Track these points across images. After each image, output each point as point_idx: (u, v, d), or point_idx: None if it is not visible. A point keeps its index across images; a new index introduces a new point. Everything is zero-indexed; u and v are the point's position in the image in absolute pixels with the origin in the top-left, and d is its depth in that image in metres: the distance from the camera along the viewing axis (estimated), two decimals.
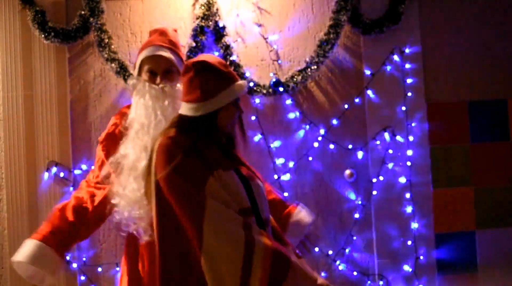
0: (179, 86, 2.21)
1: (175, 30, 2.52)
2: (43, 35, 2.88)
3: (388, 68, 3.01)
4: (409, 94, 3.01)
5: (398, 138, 3.00)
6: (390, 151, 2.99)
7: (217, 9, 2.92)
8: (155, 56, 2.27)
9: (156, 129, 2.14)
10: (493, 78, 3.11)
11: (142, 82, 2.26)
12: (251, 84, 2.92)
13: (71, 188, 2.95)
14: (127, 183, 2.16)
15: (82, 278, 2.94)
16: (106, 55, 2.91)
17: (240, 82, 1.93)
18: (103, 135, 2.43)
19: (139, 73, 2.32)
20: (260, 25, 3.01)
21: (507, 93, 3.12)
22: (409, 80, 3.02)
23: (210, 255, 1.71)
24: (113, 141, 2.32)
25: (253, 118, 2.96)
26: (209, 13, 2.90)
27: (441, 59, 3.08)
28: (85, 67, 3.01)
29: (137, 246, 2.26)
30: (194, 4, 2.97)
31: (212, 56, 1.96)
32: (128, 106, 2.41)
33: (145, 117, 2.20)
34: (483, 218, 3.07)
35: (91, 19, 2.90)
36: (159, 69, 2.26)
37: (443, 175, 3.05)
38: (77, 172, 2.97)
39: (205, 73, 1.86)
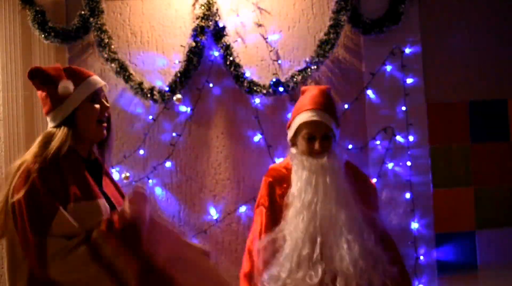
0: (336, 159, 2.24)
1: (329, 89, 2.44)
2: (43, 35, 2.88)
3: (388, 68, 3.01)
4: (409, 94, 3.01)
5: (398, 138, 3.00)
6: (390, 151, 2.99)
7: (217, 9, 2.92)
8: (315, 122, 2.24)
9: (321, 208, 2.13)
10: (493, 78, 3.11)
11: (300, 156, 2.25)
12: (251, 84, 2.92)
13: None
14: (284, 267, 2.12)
15: None
16: (106, 55, 2.91)
17: (91, 77, 1.84)
18: (266, 201, 2.35)
19: (295, 135, 2.31)
20: (260, 25, 3.01)
21: (507, 93, 3.12)
22: (409, 80, 3.02)
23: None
24: (274, 209, 2.29)
25: (253, 118, 2.96)
26: (209, 13, 2.90)
27: (441, 59, 3.08)
28: (85, 67, 3.00)
29: None
30: (194, 4, 2.97)
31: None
32: (282, 167, 2.39)
33: (306, 193, 2.17)
34: (483, 218, 3.07)
35: (91, 19, 2.90)
36: (318, 135, 2.24)
37: (443, 175, 3.05)
38: None
39: (44, 79, 1.78)
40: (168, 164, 2.98)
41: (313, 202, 2.16)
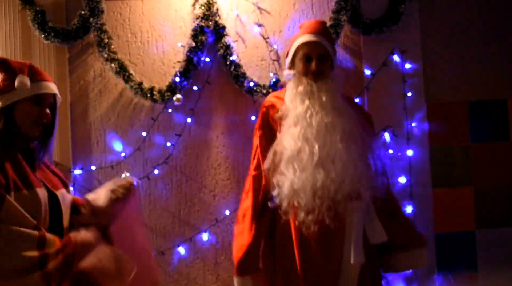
0: (332, 79, 2.30)
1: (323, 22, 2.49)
2: (43, 35, 2.88)
3: (388, 68, 3.01)
4: (409, 94, 3.01)
5: (398, 138, 3.00)
6: (390, 151, 2.99)
7: (217, 9, 2.92)
8: (311, 42, 2.30)
9: (315, 119, 2.19)
10: (493, 78, 3.11)
11: (297, 76, 2.31)
12: (251, 84, 2.92)
13: (71, 188, 2.95)
14: (288, 173, 2.18)
15: None
16: (106, 55, 2.91)
17: (44, 82, 1.93)
18: (258, 125, 2.41)
19: (292, 61, 2.36)
20: (260, 25, 3.01)
21: (507, 93, 3.12)
22: (409, 80, 3.02)
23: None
24: (268, 131, 2.34)
25: (253, 118, 2.96)
26: (209, 13, 2.90)
27: (441, 59, 3.08)
28: (85, 67, 3.01)
29: (289, 235, 2.26)
30: (194, 4, 2.97)
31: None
32: (275, 96, 2.42)
33: (302, 107, 2.23)
34: (483, 218, 3.06)
35: (91, 19, 2.90)
36: (314, 54, 2.29)
37: (443, 175, 3.05)
38: (77, 172, 2.97)
39: (6, 67, 1.90)
40: (168, 164, 2.98)
41: (307, 112, 2.22)
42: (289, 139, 2.21)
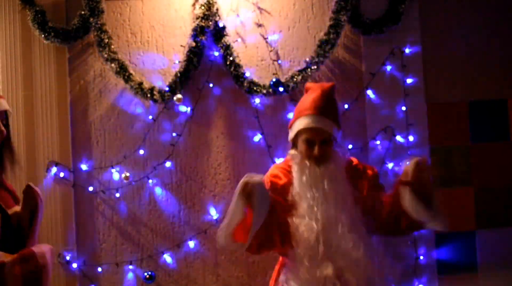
0: (335, 160, 2.30)
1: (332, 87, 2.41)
2: (43, 35, 2.88)
3: (388, 68, 3.01)
4: (409, 94, 3.01)
5: (398, 138, 3.00)
6: (390, 151, 2.99)
7: (217, 9, 2.92)
8: (314, 128, 2.27)
9: (320, 212, 2.20)
10: (493, 78, 3.11)
11: (300, 159, 2.31)
12: (251, 84, 2.92)
13: (71, 188, 2.96)
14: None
15: (82, 278, 2.94)
16: (106, 55, 2.91)
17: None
18: (268, 183, 2.36)
19: (295, 138, 2.35)
20: (260, 25, 3.01)
21: (507, 93, 3.12)
22: (409, 80, 3.02)
23: None
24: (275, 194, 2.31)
25: (253, 118, 2.96)
26: (209, 13, 2.90)
27: (441, 59, 3.08)
28: (85, 67, 3.01)
29: None
30: (194, 4, 2.97)
31: None
32: (284, 168, 2.40)
33: (307, 199, 2.24)
34: (483, 218, 3.06)
35: (91, 19, 2.90)
36: (317, 139, 2.27)
37: (443, 175, 3.05)
38: (77, 172, 2.97)
39: None
40: (168, 164, 2.98)
41: (314, 205, 2.22)
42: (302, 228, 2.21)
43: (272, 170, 2.46)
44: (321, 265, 2.14)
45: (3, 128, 2.03)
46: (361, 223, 2.23)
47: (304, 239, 2.18)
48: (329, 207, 2.22)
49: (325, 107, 2.30)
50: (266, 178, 2.37)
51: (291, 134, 2.37)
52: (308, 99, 2.36)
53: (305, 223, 2.20)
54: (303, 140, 2.29)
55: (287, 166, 2.40)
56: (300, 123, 2.30)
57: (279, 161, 2.95)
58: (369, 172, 2.44)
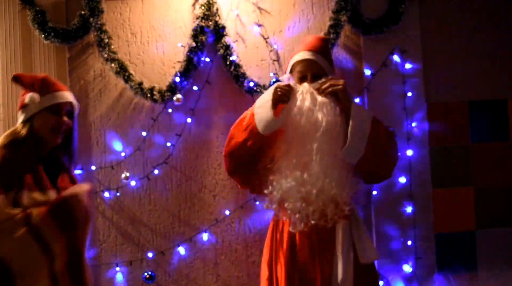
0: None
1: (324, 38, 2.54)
2: (43, 35, 2.88)
3: (388, 68, 3.01)
4: (409, 94, 3.01)
5: (398, 138, 3.00)
6: None
7: (217, 9, 2.92)
8: (307, 60, 2.38)
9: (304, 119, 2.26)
10: (493, 78, 3.11)
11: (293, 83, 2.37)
12: (251, 84, 2.92)
13: None
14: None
15: None
16: (106, 55, 2.92)
17: (59, 92, 2.16)
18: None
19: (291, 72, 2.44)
20: (260, 25, 3.01)
21: (507, 93, 3.12)
22: (409, 80, 3.02)
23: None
24: None
25: None
26: (209, 13, 2.90)
27: (441, 59, 3.08)
28: (85, 67, 3.01)
29: (283, 233, 2.35)
30: (194, 4, 2.97)
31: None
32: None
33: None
34: (483, 218, 3.06)
35: (91, 19, 2.90)
36: (309, 72, 2.36)
37: (443, 175, 3.05)
38: (77, 172, 2.97)
39: (22, 84, 2.19)
40: (168, 164, 2.98)
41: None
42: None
43: None
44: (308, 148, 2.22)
45: (65, 119, 2.15)
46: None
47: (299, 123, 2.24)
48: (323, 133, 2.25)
49: (319, 46, 2.42)
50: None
51: (287, 72, 2.45)
52: (303, 42, 2.49)
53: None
54: (296, 75, 2.39)
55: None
56: (294, 58, 2.42)
57: None
58: None
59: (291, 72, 2.44)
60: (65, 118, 2.16)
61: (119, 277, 2.97)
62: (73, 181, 2.26)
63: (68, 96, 2.20)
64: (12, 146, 2.05)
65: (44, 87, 2.15)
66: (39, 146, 2.12)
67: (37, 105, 2.11)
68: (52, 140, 2.14)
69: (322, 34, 2.95)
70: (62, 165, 2.21)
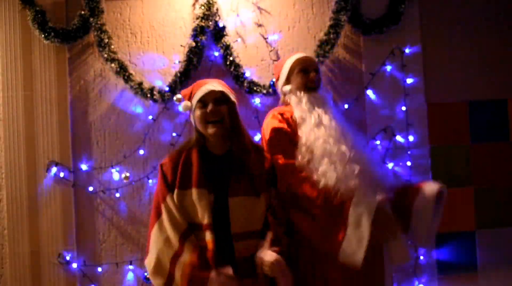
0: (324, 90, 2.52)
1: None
2: (43, 35, 2.88)
3: (388, 68, 3.02)
4: (409, 94, 3.01)
5: (398, 138, 3.00)
6: (390, 151, 2.99)
7: (217, 9, 2.92)
8: (305, 57, 2.53)
9: (327, 119, 2.35)
10: (493, 78, 3.11)
11: (294, 92, 2.46)
12: (251, 84, 2.92)
13: (71, 188, 2.96)
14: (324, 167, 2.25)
15: (82, 278, 2.94)
16: (106, 55, 2.92)
17: (202, 87, 2.19)
18: (277, 122, 2.43)
19: (288, 77, 2.51)
20: (260, 25, 3.01)
21: (507, 93, 3.12)
22: (409, 80, 3.02)
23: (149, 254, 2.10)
24: (289, 127, 2.41)
25: (253, 118, 2.96)
26: (209, 13, 2.90)
27: (441, 59, 3.09)
28: (85, 67, 3.02)
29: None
30: (194, 4, 2.97)
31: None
32: (281, 111, 2.47)
33: (316, 113, 2.37)
34: (483, 218, 3.07)
35: (91, 19, 2.90)
36: (310, 67, 2.48)
37: (443, 175, 3.04)
38: (77, 172, 2.97)
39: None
40: None
41: (325, 116, 2.36)
42: (318, 138, 2.29)
43: (276, 110, 2.50)
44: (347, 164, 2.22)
45: (212, 107, 2.15)
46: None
47: (322, 146, 2.26)
48: (334, 121, 2.36)
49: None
50: (274, 122, 2.41)
51: (283, 77, 2.52)
52: (288, 55, 2.59)
53: (318, 132, 2.31)
54: (298, 71, 2.48)
55: (281, 112, 2.46)
56: (292, 59, 2.53)
57: None
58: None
59: (288, 78, 2.51)
60: (211, 107, 2.14)
61: (120, 277, 2.97)
62: (254, 179, 2.16)
63: (211, 86, 2.19)
64: (174, 160, 2.19)
65: (194, 93, 2.22)
66: (211, 145, 2.20)
67: (191, 111, 2.22)
68: (208, 132, 2.15)
69: (322, 34, 2.95)
70: (236, 159, 2.17)
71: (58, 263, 2.92)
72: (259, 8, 3.02)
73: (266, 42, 3.01)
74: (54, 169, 2.94)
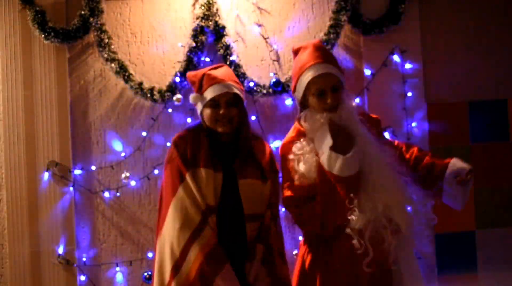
0: (349, 106, 2.28)
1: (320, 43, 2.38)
2: (43, 35, 2.88)
3: (388, 68, 3.01)
4: (409, 94, 3.01)
5: (398, 138, 3.00)
6: None
7: (217, 9, 2.92)
8: (322, 75, 2.19)
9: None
10: (493, 78, 3.11)
11: (312, 112, 2.23)
12: (251, 84, 2.92)
13: (71, 188, 2.96)
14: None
15: (82, 278, 2.94)
16: (106, 55, 2.92)
17: (211, 86, 2.21)
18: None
19: (304, 96, 2.26)
20: (260, 25, 3.01)
21: (507, 93, 3.12)
22: (409, 80, 3.02)
23: (163, 234, 2.18)
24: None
25: (253, 118, 2.96)
26: (209, 13, 2.90)
27: (441, 59, 3.08)
28: (85, 67, 3.02)
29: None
30: (194, 4, 2.97)
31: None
32: (290, 137, 2.30)
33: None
34: (483, 218, 3.06)
35: (91, 19, 2.90)
36: (328, 87, 2.20)
37: None
38: (77, 172, 2.97)
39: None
40: None
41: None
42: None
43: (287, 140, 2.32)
44: (371, 198, 2.10)
45: (222, 111, 2.20)
46: (392, 164, 2.21)
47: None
48: (358, 147, 2.11)
49: (324, 55, 2.26)
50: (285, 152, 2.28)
51: (299, 94, 2.27)
52: (303, 56, 2.28)
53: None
54: (314, 93, 2.20)
55: (297, 131, 2.30)
56: (306, 77, 2.21)
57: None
58: (374, 117, 2.44)
59: (304, 93, 2.24)
60: (222, 111, 2.20)
61: (119, 277, 2.97)
62: (260, 164, 2.26)
63: (223, 87, 2.20)
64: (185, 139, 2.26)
65: (202, 85, 2.24)
66: (220, 134, 2.24)
67: (198, 104, 2.25)
68: (219, 129, 2.22)
69: (322, 34, 2.95)
70: (240, 148, 2.26)
71: (58, 263, 2.92)
72: (259, 8, 3.02)
73: (266, 42, 3.01)
74: (54, 169, 2.93)
